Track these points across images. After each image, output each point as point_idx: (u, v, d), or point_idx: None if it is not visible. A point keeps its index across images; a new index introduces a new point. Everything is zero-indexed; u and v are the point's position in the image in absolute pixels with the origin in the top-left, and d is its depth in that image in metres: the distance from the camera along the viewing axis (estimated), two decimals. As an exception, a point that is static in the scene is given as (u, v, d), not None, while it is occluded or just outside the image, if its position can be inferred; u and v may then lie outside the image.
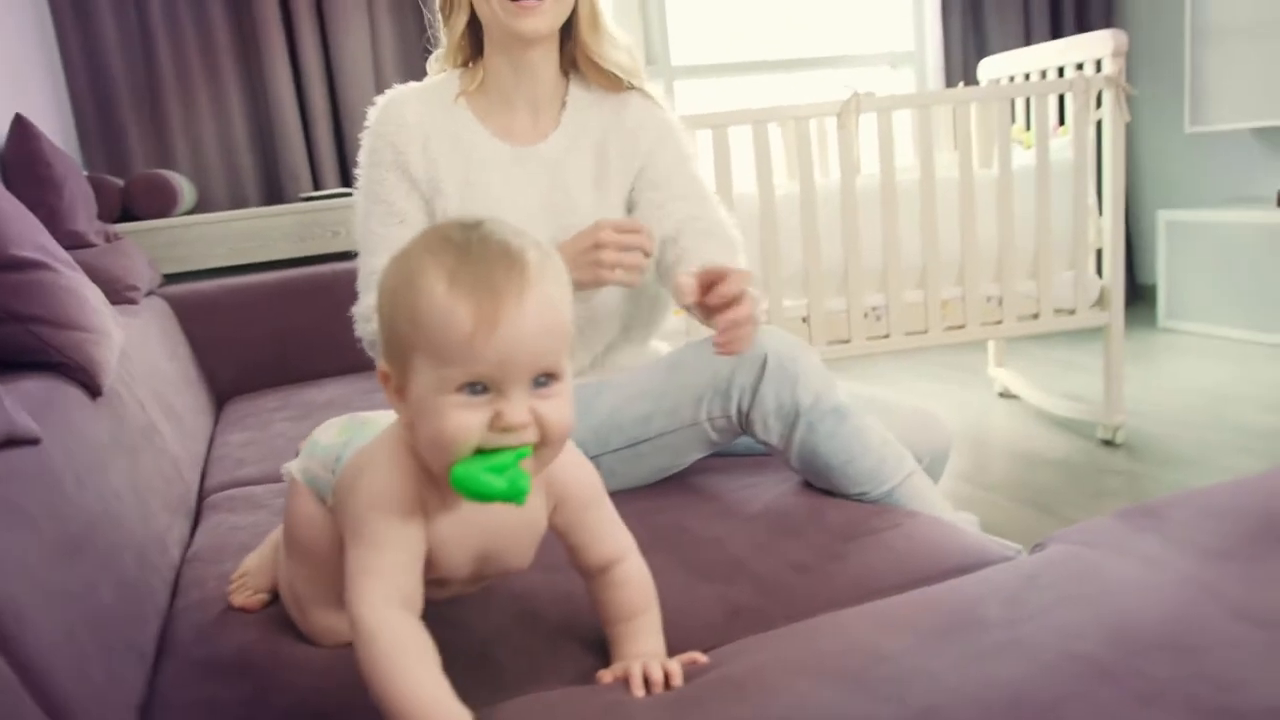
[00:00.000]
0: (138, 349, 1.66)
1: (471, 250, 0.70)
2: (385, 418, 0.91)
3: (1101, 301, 2.52)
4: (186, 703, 0.86)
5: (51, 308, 1.20)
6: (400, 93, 1.38)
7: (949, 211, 2.39)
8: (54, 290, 1.22)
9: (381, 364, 0.74)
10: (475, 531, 0.80)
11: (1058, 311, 2.49)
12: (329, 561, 0.88)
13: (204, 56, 2.95)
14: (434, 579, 0.80)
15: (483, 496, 0.69)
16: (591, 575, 0.86)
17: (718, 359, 1.17)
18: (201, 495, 1.54)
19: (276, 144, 3.01)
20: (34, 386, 1.10)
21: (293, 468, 0.96)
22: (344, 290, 2.35)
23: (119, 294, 1.90)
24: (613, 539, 0.86)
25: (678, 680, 0.78)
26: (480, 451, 0.70)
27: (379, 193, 1.34)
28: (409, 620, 0.72)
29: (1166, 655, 0.71)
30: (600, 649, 0.88)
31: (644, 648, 0.84)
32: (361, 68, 3.02)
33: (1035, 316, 2.49)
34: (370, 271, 1.35)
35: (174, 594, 1.13)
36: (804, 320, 2.37)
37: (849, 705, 0.69)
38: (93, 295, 1.33)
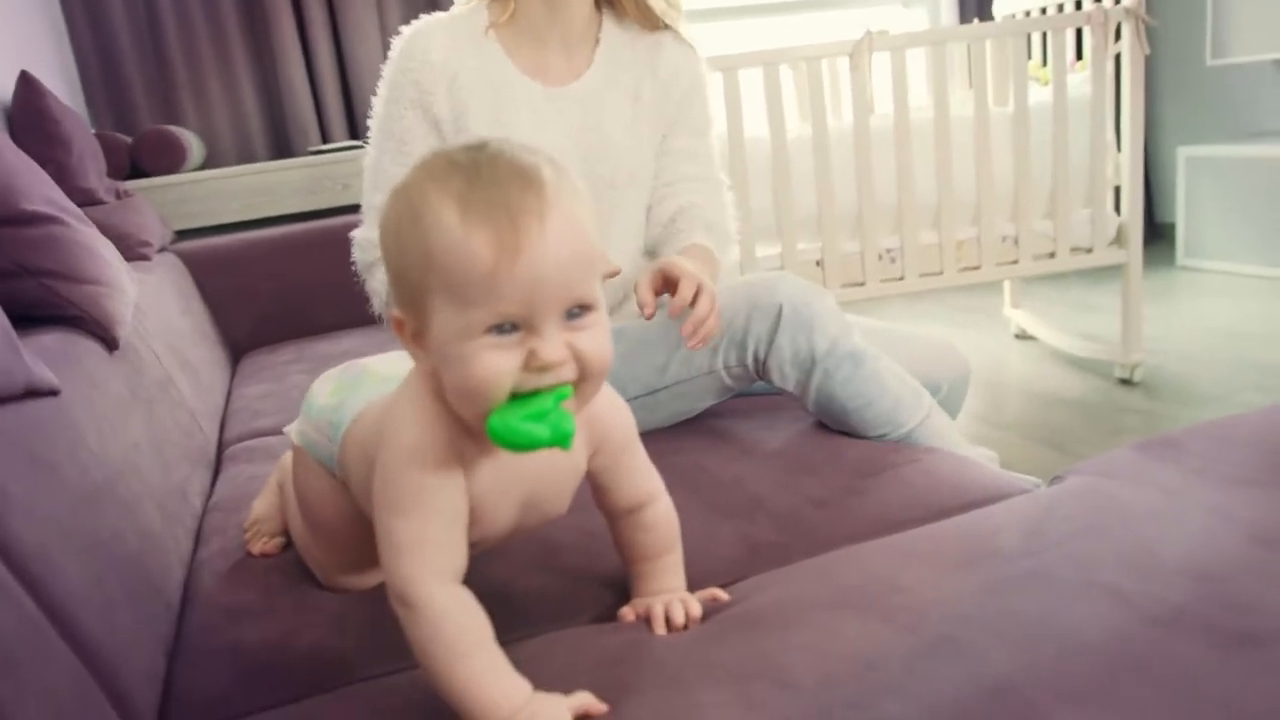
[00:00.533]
0: (152, 304, 1.67)
1: (481, 172, 0.62)
2: (383, 366, 0.89)
3: (1119, 239, 2.49)
4: (212, 648, 0.87)
5: (65, 262, 1.20)
6: (426, 25, 1.32)
7: (964, 151, 2.36)
8: (67, 244, 1.22)
9: (393, 309, 0.67)
10: (516, 480, 0.74)
11: (1075, 250, 2.47)
12: (341, 532, 0.88)
13: (208, 11, 2.92)
14: (473, 539, 0.74)
15: (526, 446, 0.62)
16: (619, 516, 0.83)
17: (732, 307, 1.16)
18: (221, 447, 1.56)
19: (283, 98, 2.99)
20: (51, 340, 1.10)
21: (291, 431, 0.92)
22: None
23: (132, 250, 1.90)
24: (645, 481, 0.83)
25: (698, 616, 0.77)
26: (515, 396, 0.63)
27: (395, 130, 1.30)
28: (464, 599, 0.67)
29: (1185, 581, 0.71)
30: (620, 587, 0.89)
31: (666, 585, 0.82)
32: (367, 19, 2.99)
33: (1052, 256, 2.46)
34: (373, 207, 1.33)
35: (197, 543, 1.14)
36: (818, 264, 2.35)
37: (867, 637, 0.69)
38: (105, 249, 1.34)
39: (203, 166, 2.84)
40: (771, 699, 0.66)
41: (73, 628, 0.70)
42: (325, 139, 3.03)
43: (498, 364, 0.62)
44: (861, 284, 2.37)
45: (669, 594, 0.81)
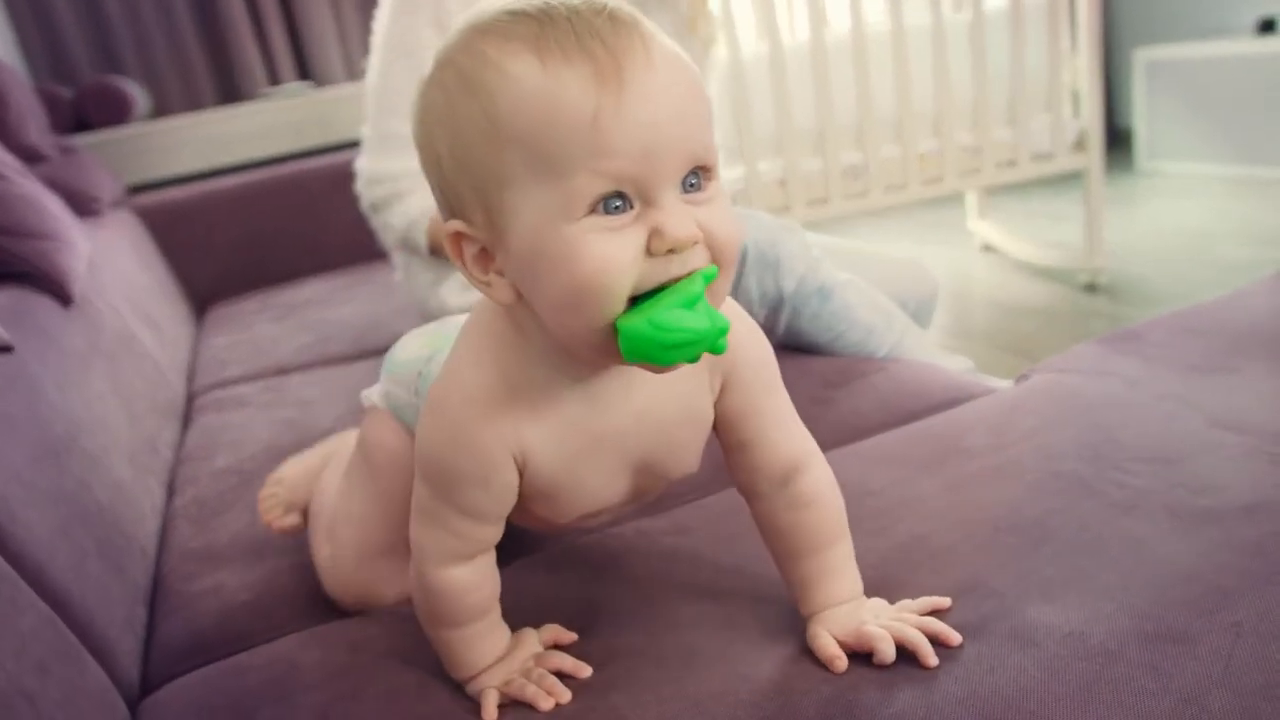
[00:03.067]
0: (107, 260, 1.64)
1: (555, 11, 0.48)
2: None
3: (1080, 144, 2.48)
4: (192, 592, 0.87)
5: (10, 217, 1.17)
6: None
7: (921, 60, 2.33)
8: (10, 200, 1.19)
9: (451, 223, 0.52)
10: (619, 438, 0.60)
11: (1035, 157, 2.46)
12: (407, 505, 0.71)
13: (140, -47, 2.82)
14: (582, 517, 0.65)
15: (682, 347, 0.47)
16: (765, 492, 0.63)
17: None
18: (190, 398, 1.54)
19: (227, 40, 2.90)
20: (2, 298, 1.08)
21: (373, 394, 0.79)
22: (314, 186, 2.34)
23: (82, 206, 1.85)
24: (795, 436, 0.63)
25: (958, 643, 0.56)
26: (634, 300, 0.49)
27: (411, 46, 1.21)
28: (469, 579, 0.61)
29: (1147, 466, 0.72)
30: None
31: (846, 590, 0.62)
32: (307, -47, 2.90)
33: (1013, 164, 2.46)
34: (394, 134, 1.23)
35: (171, 493, 1.14)
36: (781, 183, 2.33)
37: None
38: (52, 204, 1.30)
39: (151, 117, 2.76)
40: (743, 612, 0.67)
41: (41, 577, 0.70)
42: (274, 81, 2.96)
43: (613, 251, 0.47)
44: (825, 201, 2.36)
45: (861, 606, 0.61)
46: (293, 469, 0.93)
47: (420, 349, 0.75)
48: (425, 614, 0.63)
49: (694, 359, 0.48)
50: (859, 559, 0.64)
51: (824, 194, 2.36)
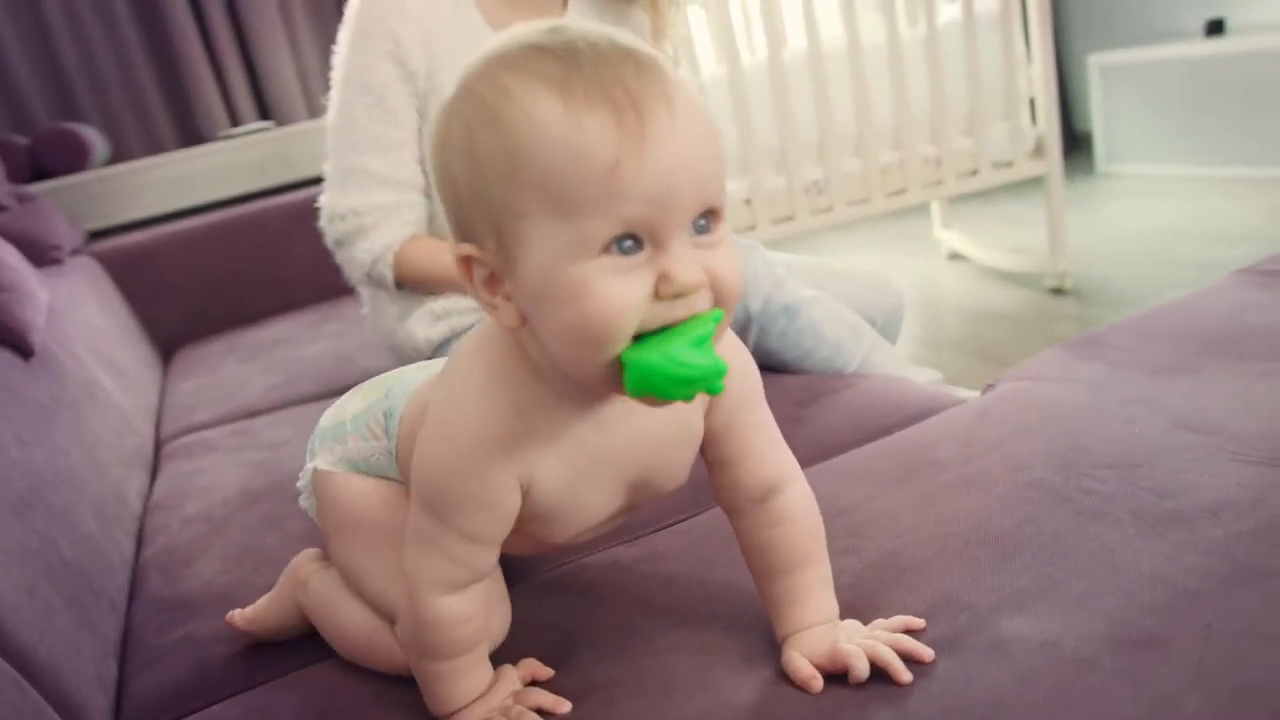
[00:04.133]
0: (68, 308, 1.62)
1: (580, 52, 0.48)
2: (414, 374, 0.75)
3: (1038, 150, 2.52)
4: (163, 645, 0.86)
5: (-35, 271, 1.15)
6: None
7: (879, 76, 2.36)
8: (-35, 253, 1.17)
9: (463, 247, 0.53)
10: (621, 455, 0.61)
11: (996, 165, 2.49)
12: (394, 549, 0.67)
13: (95, 4, 2.80)
14: (576, 536, 0.65)
15: (688, 385, 0.48)
16: (746, 508, 0.64)
17: None
18: (158, 445, 1.52)
19: (185, 82, 2.89)
20: (-41, 353, 1.06)
21: (318, 466, 0.76)
22: (278, 225, 2.33)
23: (42, 255, 1.83)
24: (776, 454, 0.65)
25: (930, 658, 0.57)
26: (638, 337, 0.49)
27: (368, 83, 1.22)
28: (463, 610, 0.60)
29: (1113, 472, 0.73)
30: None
31: (822, 611, 0.62)
32: (264, -7, 2.89)
33: (974, 173, 2.49)
34: (356, 169, 1.24)
35: (139, 543, 1.12)
36: (746, 202, 2.35)
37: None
38: (9, 255, 1.29)
39: (110, 162, 2.74)
40: (721, 637, 0.67)
41: (4, 638, 0.68)
42: (234, 121, 2.95)
43: (624, 292, 0.48)
44: (791, 219, 2.38)
45: (835, 628, 0.61)
46: (257, 613, 0.83)
47: (366, 398, 0.75)
48: (412, 645, 0.62)
49: (691, 398, 0.49)
50: (835, 577, 0.64)
51: (789, 211, 2.37)
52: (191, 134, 2.95)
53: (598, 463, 0.60)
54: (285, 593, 0.81)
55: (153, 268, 2.27)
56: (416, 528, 0.59)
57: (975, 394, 1.11)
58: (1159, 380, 0.86)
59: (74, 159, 2.51)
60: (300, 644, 0.81)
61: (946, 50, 2.38)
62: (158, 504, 1.23)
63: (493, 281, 0.53)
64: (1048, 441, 0.80)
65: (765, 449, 0.64)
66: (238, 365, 1.87)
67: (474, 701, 0.63)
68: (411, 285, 1.28)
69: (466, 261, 0.53)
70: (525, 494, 0.59)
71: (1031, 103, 2.53)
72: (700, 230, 0.50)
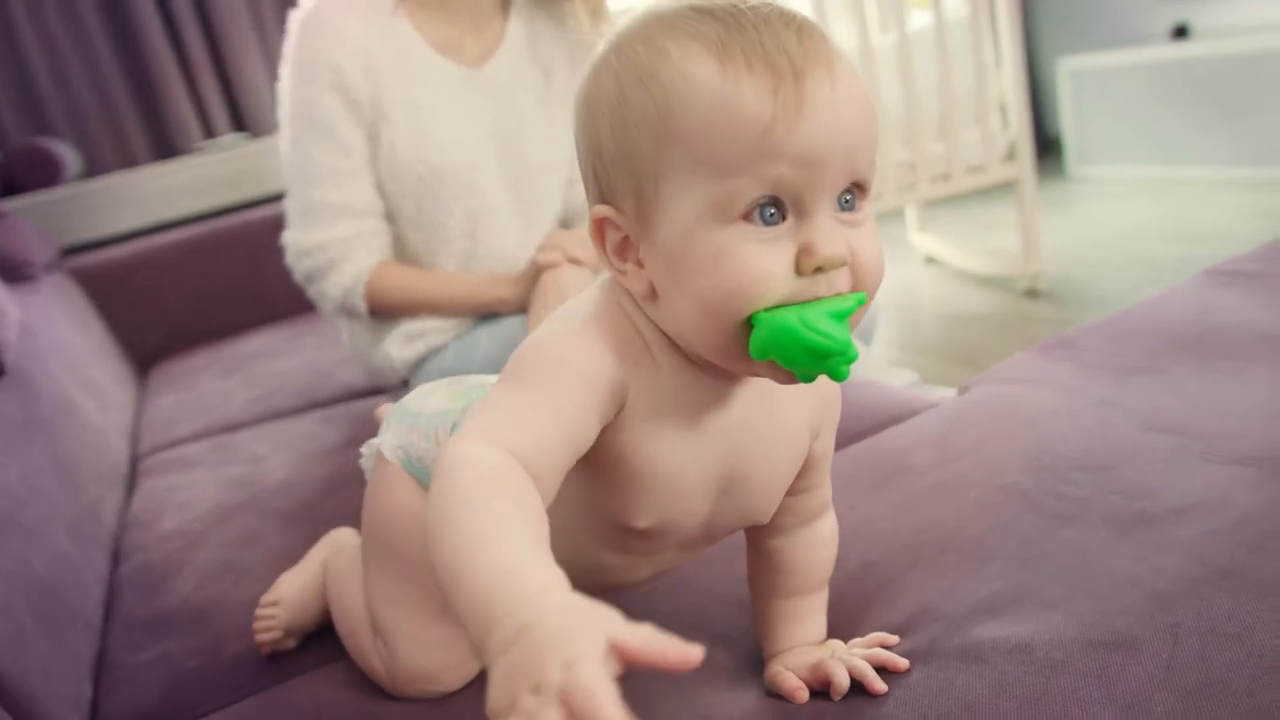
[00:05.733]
0: (42, 325, 1.60)
1: (743, 16, 0.47)
2: None
3: (1010, 155, 2.54)
4: (139, 663, 0.85)
5: (-65, 290, 1.14)
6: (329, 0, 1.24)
7: (853, 82, 2.38)
8: (-65, 271, 1.16)
9: (600, 209, 0.51)
10: (721, 443, 0.55)
11: (969, 170, 2.52)
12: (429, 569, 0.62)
13: (64, 12, 2.79)
14: (657, 528, 0.56)
15: (817, 351, 0.45)
16: (789, 529, 0.63)
17: None
18: (135, 461, 1.51)
19: (158, 96, 2.87)
20: (-70, 373, 1.06)
21: (382, 444, 0.71)
22: (255, 238, 2.31)
23: (15, 272, 1.82)
24: (829, 482, 0.64)
25: (904, 667, 0.58)
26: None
27: (317, 115, 1.22)
28: (517, 469, 0.46)
29: (1084, 475, 0.73)
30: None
31: (815, 633, 0.63)
32: (237, 2, 2.88)
33: (948, 177, 2.51)
34: (315, 204, 1.24)
35: (116, 561, 1.11)
36: (723, 210, 2.36)
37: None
38: (-20, 273, 1.28)
39: (83, 177, 2.72)
40: (707, 651, 0.67)
41: (-20, 662, 0.68)
42: (209, 134, 2.93)
43: (764, 259, 0.46)
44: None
45: (820, 646, 0.62)
46: (289, 586, 0.81)
47: (448, 402, 0.70)
48: (441, 537, 0.42)
49: (813, 377, 0.47)
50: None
51: (765, 217, 2.38)
52: (166, 147, 2.93)
53: (705, 431, 0.54)
54: (315, 561, 0.81)
55: (128, 283, 2.26)
56: (488, 401, 0.50)
57: (951, 392, 1.12)
58: (1128, 381, 0.88)
59: (47, 174, 2.48)
60: (278, 660, 0.80)
61: (918, 58, 2.40)
62: (134, 521, 1.22)
63: (625, 247, 0.51)
64: (1020, 445, 0.81)
65: (827, 476, 0.64)
66: (216, 379, 1.86)
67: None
68: (385, 312, 1.29)
69: (600, 224, 0.52)
70: (620, 425, 0.52)
71: (1003, 108, 2.56)
72: (845, 206, 0.48)
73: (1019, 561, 0.65)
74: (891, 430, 0.93)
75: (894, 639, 0.61)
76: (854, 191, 0.49)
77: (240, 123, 2.95)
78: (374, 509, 0.70)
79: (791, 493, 0.61)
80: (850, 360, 0.46)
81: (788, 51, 0.46)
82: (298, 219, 1.28)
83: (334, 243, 1.24)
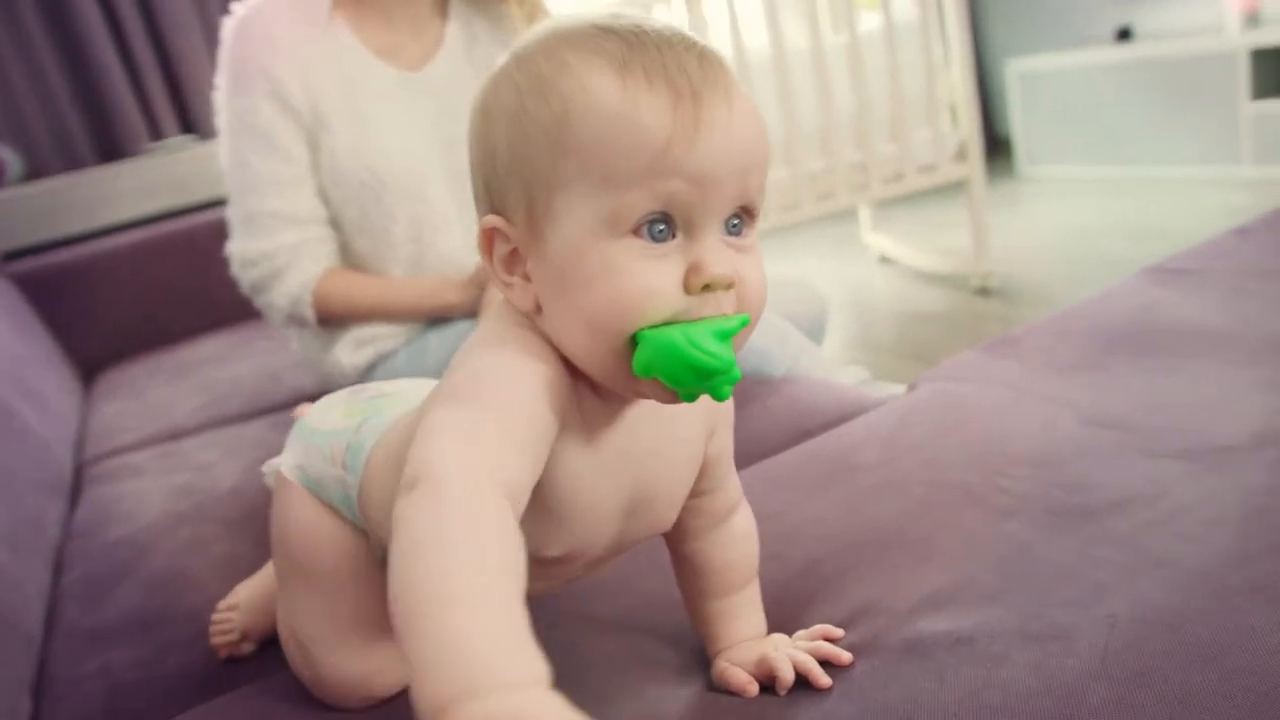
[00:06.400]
0: (-19, 332, 1.57)
1: (646, 37, 0.48)
2: (406, 388, 0.71)
3: (961, 154, 2.58)
4: (78, 675, 0.83)
5: None
6: (263, 3, 1.22)
7: (803, 84, 2.40)
8: None
9: (489, 219, 0.51)
10: (627, 466, 0.55)
11: (920, 169, 2.55)
12: (347, 587, 0.66)
13: (3, 12, 2.72)
14: (566, 556, 0.56)
15: (701, 370, 0.45)
16: (703, 531, 0.63)
17: None
18: (80, 470, 1.48)
19: (103, 97, 2.81)
20: None
21: (281, 464, 0.70)
22: (204, 242, 2.27)
23: (-48, 277, 1.78)
24: (736, 477, 0.64)
25: (848, 661, 0.58)
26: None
27: (255, 124, 1.21)
28: (507, 517, 0.43)
29: (1026, 470, 0.75)
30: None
31: (753, 627, 0.63)
32: (183, 4, 2.83)
33: (899, 177, 2.53)
34: (258, 213, 1.23)
35: (59, 572, 1.09)
36: (678, 211, 2.36)
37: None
38: (-86, 279, 1.24)
39: (24, 180, 2.66)
40: (654, 647, 0.67)
41: (-90, 679, 0.66)
42: (156, 136, 2.88)
43: (652, 275, 0.46)
44: (722, 226, 2.39)
45: (763, 640, 0.62)
46: (247, 592, 0.82)
47: (344, 419, 0.68)
48: (423, 576, 0.39)
49: (695, 396, 0.47)
50: (761, 586, 0.65)
51: (720, 218, 2.39)
52: (111, 149, 2.87)
53: (611, 462, 0.54)
54: (270, 571, 0.79)
55: (72, 288, 2.21)
56: (428, 424, 0.46)
57: (900, 390, 1.13)
58: (1071, 378, 0.89)
59: (-14, 177, 2.43)
60: (225, 670, 0.79)
61: (869, 58, 2.43)
62: (78, 531, 1.19)
63: (513, 259, 0.51)
64: (965, 442, 0.82)
65: (733, 474, 0.63)
66: (164, 386, 1.83)
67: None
68: (333, 320, 1.28)
69: (490, 235, 0.51)
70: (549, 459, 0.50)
71: (953, 108, 2.59)
72: (733, 231, 0.49)
73: (962, 556, 0.66)
74: (840, 429, 0.93)
75: (839, 632, 0.61)
76: (742, 216, 0.49)
77: (188, 124, 2.90)
78: (279, 527, 0.69)
79: (696, 495, 0.61)
80: (733, 380, 0.46)
81: (688, 73, 0.47)
82: (241, 229, 1.26)
83: (279, 251, 1.23)
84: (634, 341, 0.47)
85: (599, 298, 0.47)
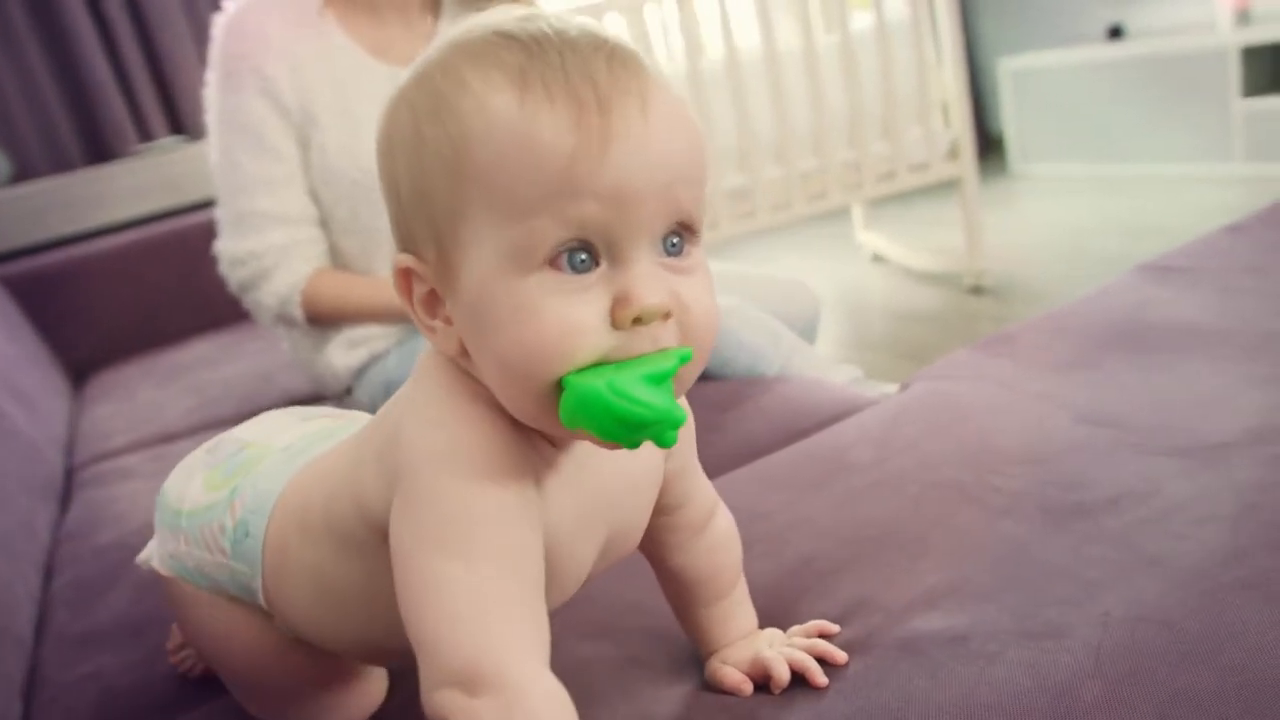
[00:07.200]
0: (-30, 334, 1.56)
1: (548, 42, 0.43)
2: (264, 433, 0.65)
3: (953, 153, 2.58)
4: (70, 680, 0.83)
5: None
6: (254, 0, 1.22)
7: (796, 83, 2.39)
8: None
9: (401, 258, 0.46)
10: (599, 506, 0.52)
11: (913, 168, 2.55)
12: (272, 668, 0.62)
13: (-7, 14, 2.71)
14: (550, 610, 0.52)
15: (631, 423, 0.41)
16: (684, 543, 0.60)
17: None
18: (71, 474, 1.48)
19: (92, 98, 2.80)
20: None
21: (152, 559, 0.66)
22: (194, 243, 2.27)
23: (-59, 280, 1.77)
24: (707, 484, 0.61)
25: (844, 660, 0.57)
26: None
27: (245, 123, 1.20)
28: (568, 701, 0.43)
29: (1020, 468, 0.75)
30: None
31: (744, 626, 0.62)
32: (171, 4, 2.82)
33: (892, 176, 2.53)
34: (247, 212, 1.22)
35: (49, 576, 1.08)
36: (670, 210, 2.36)
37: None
38: (-98, 281, 1.24)
39: (13, 181, 2.65)
40: (643, 648, 0.67)
41: (-103, 685, 0.66)
42: (145, 137, 2.87)
43: (572, 313, 0.42)
44: (715, 225, 2.40)
45: (757, 638, 0.61)
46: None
47: (207, 492, 0.61)
48: None
49: (636, 444, 0.42)
50: (753, 583, 0.65)
51: (712, 218, 2.39)
52: (100, 151, 2.86)
53: (586, 505, 0.51)
54: None
55: (62, 291, 2.20)
56: (441, 593, 0.43)
57: (893, 388, 1.13)
58: (1064, 376, 0.89)
59: (-25, 180, 2.42)
60: (213, 677, 0.79)
61: (861, 58, 2.43)
62: (69, 534, 1.19)
63: (432, 300, 0.46)
64: (958, 440, 0.82)
65: (701, 481, 0.60)
66: (155, 388, 1.83)
67: None
68: (322, 320, 1.27)
69: (405, 275, 0.46)
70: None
71: (945, 107, 2.59)
72: (671, 250, 0.44)
73: (956, 554, 0.66)
74: (833, 428, 0.93)
75: (834, 628, 0.61)
76: (681, 234, 0.45)
77: (178, 125, 2.89)
78: (179, 622, 0.65)
79: (667, 513, 0.59)
80: (675, 425, 0.42)
81: (594, 80, 0.42)
82: (230, 228, 1.26)
83: (268, 251, 1.22)
84: (561, 387, 0.42)
85: (512, 342, 0.42)
